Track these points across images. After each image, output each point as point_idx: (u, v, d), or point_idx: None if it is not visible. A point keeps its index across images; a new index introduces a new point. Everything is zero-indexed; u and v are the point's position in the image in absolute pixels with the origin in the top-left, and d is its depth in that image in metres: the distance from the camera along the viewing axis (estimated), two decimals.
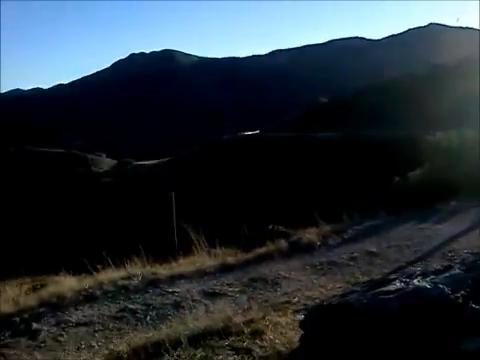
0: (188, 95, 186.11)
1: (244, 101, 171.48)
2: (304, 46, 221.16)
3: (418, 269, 5.53)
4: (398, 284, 3.36)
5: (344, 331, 3.15)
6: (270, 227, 10.51)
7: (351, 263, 7.51)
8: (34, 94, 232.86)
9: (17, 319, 6.39)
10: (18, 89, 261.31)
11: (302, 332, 3.48)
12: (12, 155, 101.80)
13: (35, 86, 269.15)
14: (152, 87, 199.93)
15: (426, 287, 3.21)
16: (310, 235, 9.22)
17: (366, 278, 6.36)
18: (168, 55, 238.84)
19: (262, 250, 8.74)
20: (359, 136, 50.86)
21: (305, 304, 5.57)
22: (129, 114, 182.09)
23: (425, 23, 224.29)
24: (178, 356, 4.02)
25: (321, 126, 64.03)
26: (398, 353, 2.93)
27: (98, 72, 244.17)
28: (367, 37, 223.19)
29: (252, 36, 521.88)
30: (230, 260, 8.26)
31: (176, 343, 4.30)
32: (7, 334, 5.98)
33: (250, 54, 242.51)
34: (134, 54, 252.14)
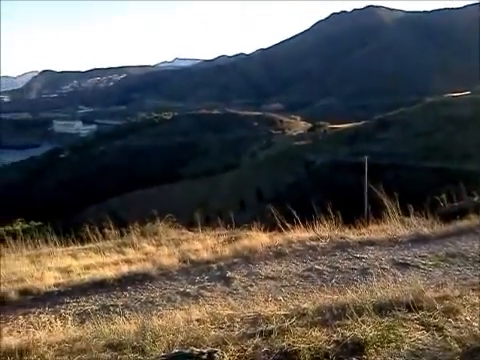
0: (391, 53, 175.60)
1: (453, 59, 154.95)
2: None
3: None
4: None
5: None
6: (476, 198, 9.44)
7: None
8: (238, 60, 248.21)
9: (214, 266, 7.03)
10: (224, 55, 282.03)
11: None
12: (220, 117, 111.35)
13: (238, 52, 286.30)
14: (353, 47, 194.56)
15: None
16: None
17: None
18: (371, 12, 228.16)
19: (463, 223, 7.98)
20: None
21: None
22: (328, 76, 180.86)
23: None
24: (362, 322, 3.90)
25: None
26: None
27: (298, 35, 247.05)
28: None
29: None
30: (425, 231, 7.71)
31: (361, 309, 4.19)
32: (205, 278, 6.65)
33: (466, 4, 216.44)
34: (335, 13, 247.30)
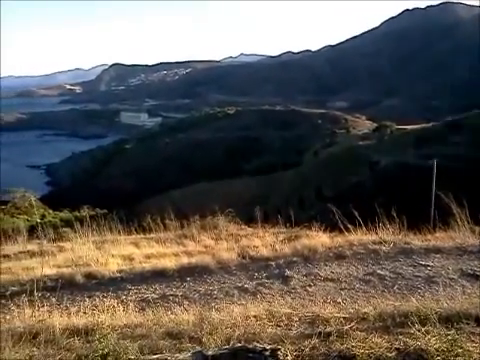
0: (467, 52, 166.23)
1: None
2: None
3: None
4: None
5: None
6: None
7: None
8: (304, 57, 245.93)
9: (273, 263, 7.02)
10: (289, 51, 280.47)
11: None
12: (283, 114, 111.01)
13: (304, 48, 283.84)
14: (425, 45, 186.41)
15: None
16: None
17: None
18: (447, 8, 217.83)
19: None
20: None
21: None
22: (397, 75, 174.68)
23: None
24: (427, 332, 3.74)
25: None
26: None
27: (367, 32, 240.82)
28: None
29: None
30: None
31: (425, 318, 4.02)
32: (264, 275, 6.65)
33: None
34: (408, 10, 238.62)
